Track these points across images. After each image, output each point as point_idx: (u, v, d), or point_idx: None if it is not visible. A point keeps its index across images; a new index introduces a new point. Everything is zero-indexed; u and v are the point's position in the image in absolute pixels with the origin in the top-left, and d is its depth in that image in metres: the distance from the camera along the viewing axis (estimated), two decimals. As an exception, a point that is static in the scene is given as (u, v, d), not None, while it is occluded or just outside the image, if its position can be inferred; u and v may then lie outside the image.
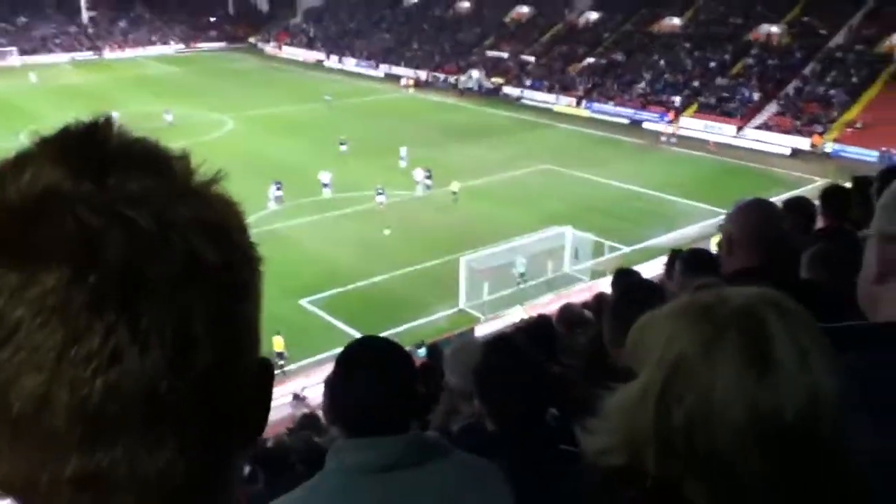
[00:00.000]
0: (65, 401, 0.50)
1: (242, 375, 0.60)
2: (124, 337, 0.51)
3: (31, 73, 58.56)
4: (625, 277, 4.95)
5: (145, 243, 0.52)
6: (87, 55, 73.05)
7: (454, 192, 32.13)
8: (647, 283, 3.36)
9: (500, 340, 2.88)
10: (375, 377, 1.99)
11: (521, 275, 24.43)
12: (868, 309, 1.76)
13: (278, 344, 19.80)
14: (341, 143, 38.73)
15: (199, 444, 0.56)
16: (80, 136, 0.58)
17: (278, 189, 31.04)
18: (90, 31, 77.67)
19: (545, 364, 2.81)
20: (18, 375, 0.50)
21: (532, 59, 60.84)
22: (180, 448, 0.55)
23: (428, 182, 33.32)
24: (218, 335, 0.55)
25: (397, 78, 62.18)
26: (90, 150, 0.56)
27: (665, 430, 0.94)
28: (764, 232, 2.70)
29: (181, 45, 79.45)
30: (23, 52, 69.27)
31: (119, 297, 0.51)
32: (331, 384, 2.08)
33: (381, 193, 30.97)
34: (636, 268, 21.62)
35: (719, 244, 2.94)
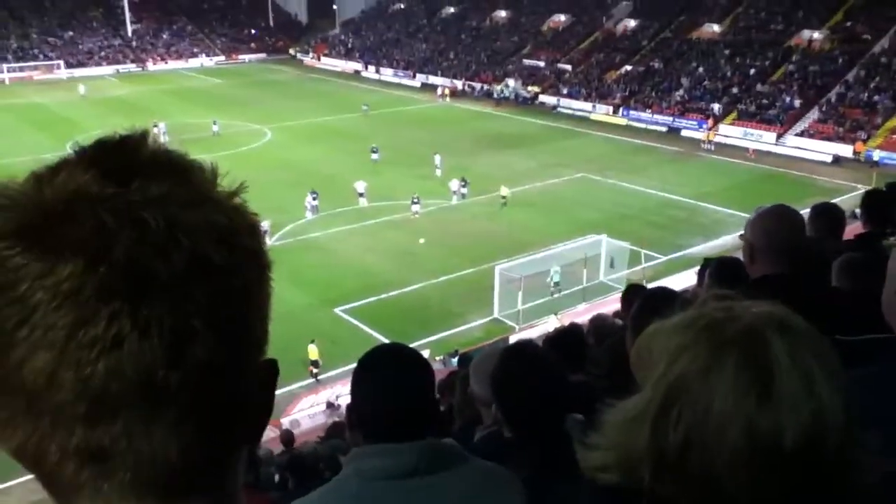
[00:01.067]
0: (71, 378, 0.56)
1: (243, 372, 0.64)
2: (126, 324, 0.56)
3: (80, 84, 59.86)
4: (636, 293, 4.86)
5: (154, 242, 0.58)
6: (131, 67, 74.69)
7: (503, 197, 32.36)
8: (669, 292, 3.32)
9: (517, 347, 2.88)
10: (391, 383, 2.00)
11: (556, 284, 24.30)
12: (892, 320, 1.72)
13: (313, 352, 19.93)
14: (373, 151, 39.15)
15: (195, 430, 0.61)
16: (113, 145, 0.64)
17: (314, 198, 31.28)
18: (134, 43, 79.33)
19: (564, 371, 2.80)
20: (33, 353, 0.56)
21: (569, 67, 60.64)
22: (176, 431, 0.60)
23: (463, 191, 33.38)
24: (218, 331, 0.60)
25: (434, 87, 62.42)
26: (120, 158, 0.62)
27: (661, 450, 0.94)
28: (786, 239, 2.65)
29: (222, 57, 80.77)
30: (69, 66, 71.05)
31: (124, 288, 0.56)
32: (350, 390, 2.11)
33: (416, 202, 31.11)
34: (673, 276, 21.36)
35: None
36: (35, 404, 0.58)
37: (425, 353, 15.98)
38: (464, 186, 33.43)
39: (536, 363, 2.62)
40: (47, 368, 0.56)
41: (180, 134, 41.17)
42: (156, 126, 41.34)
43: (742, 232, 2.77)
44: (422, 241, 28.38)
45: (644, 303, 2.74)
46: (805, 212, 5.02)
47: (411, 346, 2.29)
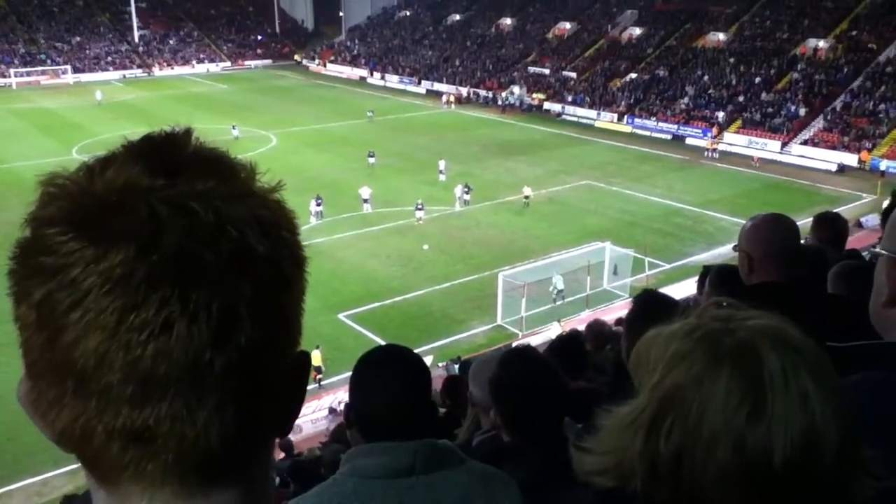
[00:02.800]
0: (120, 360, 0.59)
1: (280, 361, 0.67)
2: (175, 310, 0.59)
3: (97, 90, 59.66)
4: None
5: (203, 232, 0.61)
6: (138, 73, 74.96)
7: (527, 197, 32.69)
8: (664, 297, 3.33)
9: (516, 351, 2.89)
10: (388, 382, 2.02)
11: (559, 291, 24.27)
12: (881, 331, 1.73)
13: (316, 358, 19.90)
14: (370, 156, 39.44)
15: (235, 415, 0.63)
16: (160, 141, 0.67)
17: (319, 204, 31.33)
18: (141, 49, 79.64)
19: (562, 376, 2.81)
20: (84, 335, 0.59)
21: (574, 74, 60.72)
22: (217, 414, 0.62)
23: (467, 197, 33.42)
24: (260, 319, 0.63)
25: (439, 94, 62.52)
26: (167, 153, 0.65)
27: (653, 459, 0.94)
28: (783, 246, 2.65)
29: (228, 63, 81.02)
30: (76, 70, 71.31)
31: (174, 274, 0.59)
32: (349, 388, 2.13)
33: (420, 208, 31.13)
34: (677, 284, 21.33)
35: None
36: (84, 385, 0.60)
37: (428, 360, 15.98)
38: (467, 192, 33.47)
39: (535, 367, 2.63)
40: (99, 350, 0.59)
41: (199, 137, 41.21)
42: None
43: (735, 244, 2.76)
44: (426, 247, 28.40)
45: (639, 307, 2.76)
46: (808, 220, 5.04)
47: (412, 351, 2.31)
